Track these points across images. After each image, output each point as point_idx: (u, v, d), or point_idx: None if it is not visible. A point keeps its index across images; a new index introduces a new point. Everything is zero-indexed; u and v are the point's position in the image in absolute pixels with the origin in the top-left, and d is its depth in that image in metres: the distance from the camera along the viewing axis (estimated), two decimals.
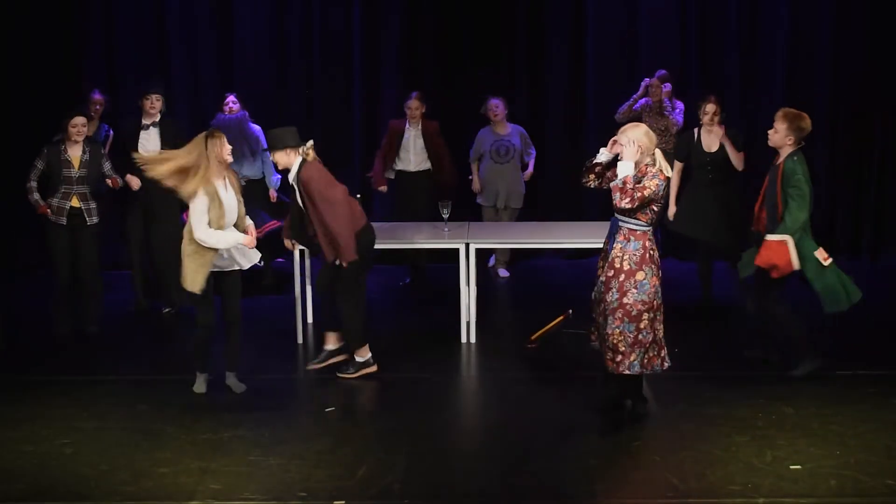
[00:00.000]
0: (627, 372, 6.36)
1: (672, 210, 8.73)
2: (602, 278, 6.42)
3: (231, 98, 9.40)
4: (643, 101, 9.64)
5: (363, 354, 7.33)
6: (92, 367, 7.63)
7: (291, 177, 7.01)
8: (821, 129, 9.87)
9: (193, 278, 6.70)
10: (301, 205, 7.05)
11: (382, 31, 10.54)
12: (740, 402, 6.74)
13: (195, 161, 6.63)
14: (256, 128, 9.40)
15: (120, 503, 5.58)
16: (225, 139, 6.78)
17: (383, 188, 9.69)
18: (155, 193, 8.51)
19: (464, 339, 8.10)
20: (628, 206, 6.20)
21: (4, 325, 8.10)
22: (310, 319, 8.37)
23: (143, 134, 8.56)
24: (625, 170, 6.25)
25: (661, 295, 6.39)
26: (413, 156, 9.57)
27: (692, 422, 6.47)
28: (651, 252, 6.33)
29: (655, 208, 6.32)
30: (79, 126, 8.02)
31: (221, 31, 10.55)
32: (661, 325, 6.41)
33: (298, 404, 6.95)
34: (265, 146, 9.28)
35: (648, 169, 6.29)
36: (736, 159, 8.46)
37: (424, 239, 8.36)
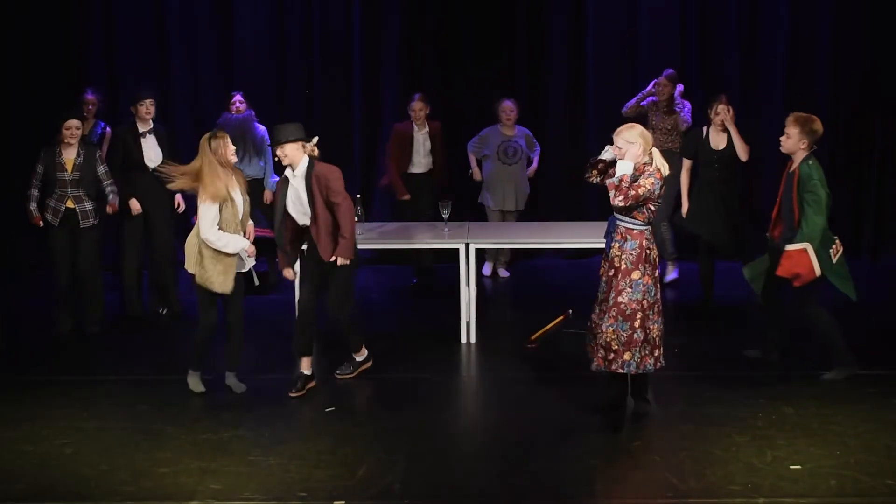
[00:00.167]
0: (621, 371, 6.37)
1: (685, 207, 8.74)
2: (604, 278, 6.43)
3: (238, 98, 9.41)
4: (650, 98, 9.62)
5: (362, 353, 7.33)
6: (92, 367, 7.64)
7: (298, 172, 6.94)
8: None
9: (224, 281, 6.81)
10: (304, 202, 6.97)
11: (382, 31, 10.54)
12: (740, 402, 6.74)
13: (202, 165, 6.71)
14: (262, 128, 9.42)
15: (120, 503, 5.58)
16: (228, 139, 6.80)
17: (406, 196, 9.60)
18: (154, 197, 8.55)
19: (464, 339, 8.10)
20: (621, 203, 6.21)
21: (4, 325, 8.10)
22: None
23: (143, 143, 8.56)
24: (623, 168, 6.26)
25: (658, 294, 6.40)
26: (422, 157, 9.60)
27: (692, 422, 6.47)
28: (648, 251, 6.33)
29: (653, 207, 6.32)
30: (72, 129, 8.05)
31: (221, 31, 10.55)
32: (656, 325, 6.40)
33: (298, 404, 6.94)
34: (269, 145, 9.34)
35: (646, 168, 6.30)
36: (741, 149, 8.45)
37: (424, 239, 8.36)
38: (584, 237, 8.32)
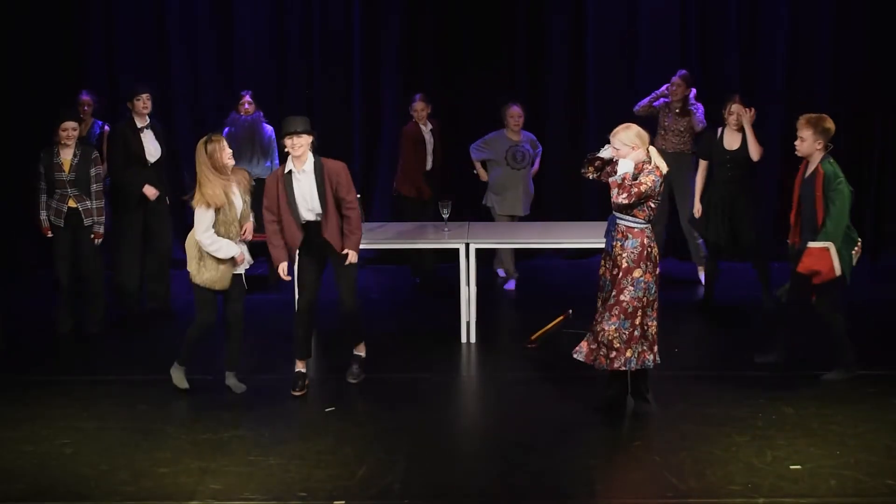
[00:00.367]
0: (623, 368, 6.38)
1: (697, 207, 8.75)
2: (608, 277, 6.43)
3: (247, 98, 9.42)
4: (663, 100, 9.57)
5: (362, 348, 7.35)
6: (92, 367, 7.63)
7: (307, 167, 6.89)
8: None
9: (222, 278, 6.85)
10: (314, 198, 6.91)
11: (382, 31, 10.54)
12: (740, 402, 6.74)
13: (198, 170, 6.76)
14: (269, 128, 9.44)
15: (120, 503, 5.58)
16: (224, 143, 6.79)
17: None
18: (161, 199, 8.57)
19: (464, 339, 8.10)
20: (625, 201, 6.22)
21: (4, 325, 8.10)
22: None
23: (142, 137, 8.57)
24: (625, 167, 6.26)
25: (657, 292, 6.42)
26: (429, 156, 9.62)
27: (692, 422, 6.47)
28: (649, 249, 6.35)
29: (653, 205, 6.33)
30: (68, 130, 8.07)
31: (221, 31, 10.55)
32: (654, 322, 6.44)
33: (298, 404, 6.94)
34: (275, 146, 9.37)
35: (645, 166, 6.31)
36: (754, 149, 8.45)
37: (424, 239, 8.36)
38: (584, 237, 8.32)
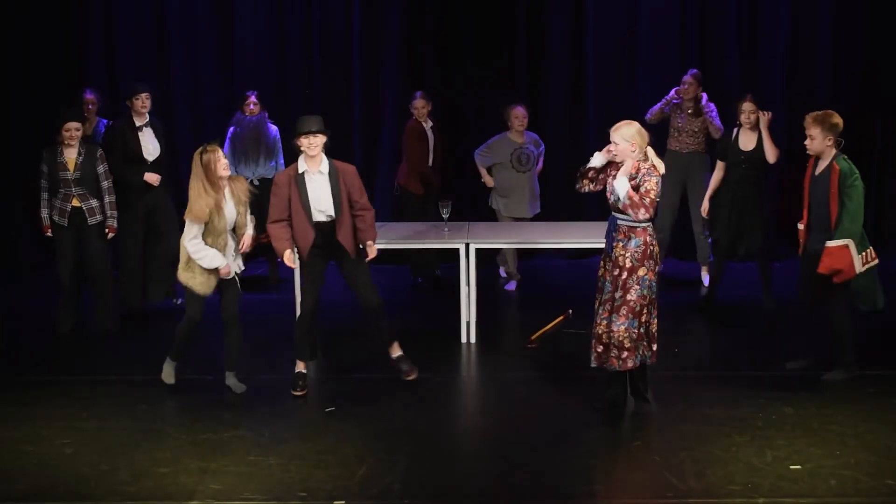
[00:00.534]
0: (636, 366, 6.39)
1: (705, 206, 8.77)
2: (608, 278, 6.43)
3: (253, 98, 9.43)
4: (674, 101, 9.52)
5: (399, 348, 7.34)
6: (92, 367, 7.63)
7: (323, 168, 6.90)
8: None
9: (204, 282, 6.86)
10: (328, 199, 6.91)
11: (382, 31, 10.54)
12: (740, 402, 6.74)
13: (191, 181, 6.78)
14: (274, 128, 9.47)
15: (120, 503, 5.58)
16: (220, 153, 6.77)
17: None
18: (153, 189, 8.57)
19: (464, 339, 8.10)
20: (647, 215, 6.26)
21: (4, 325, 8.10)
22: None
23: (140, 136, 8.57)
24: (622, 186, 6.25)
25: (657, 290, 6.45)
26: (431, 153, 9.62)
27: (692, 422, 6.47)
28: (651, 247, 6.37)
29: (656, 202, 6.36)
30: (72, 130, 8.07)
31: (221, 31, 10.55)
32: (655, 320, 6.48)
33: (298, 404, 6.94)
34: (280, 146, 9.37)
35: (641, 165, 6.31)
36: (770, 151, 8.45)
37: (424, 239, 8.36)
38: (584, 237, 8.32)
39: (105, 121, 9.12)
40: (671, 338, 7.69)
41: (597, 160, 6.46)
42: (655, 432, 6.40)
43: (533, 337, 8.02)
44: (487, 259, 10.20)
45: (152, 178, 8.56)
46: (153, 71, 10.26)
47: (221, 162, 6.76)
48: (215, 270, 6.86)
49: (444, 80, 10.51)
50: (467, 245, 8.10)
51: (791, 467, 5.83)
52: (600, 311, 6.45)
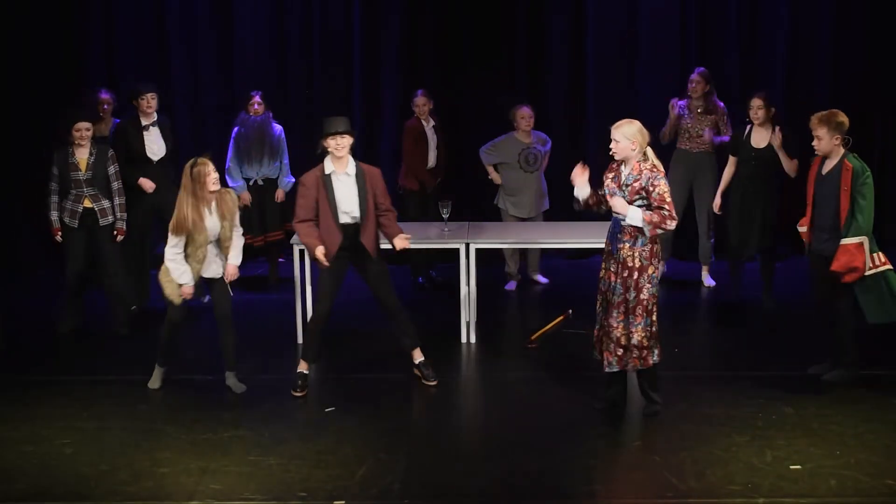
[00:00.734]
0: (654, 362, 6.41)
1: (717, 202, 8.79)
2: (612, 280, 6.41)
3: (257, 98, 9.42)
4: (681, 103, 9.47)
5: (420, 353, 7.34)
6: (92, 367, 7.63)
7: (350, 170, 6.89)
8: None
9: (173, 290, 6.89)
10: (355, 201, 6.90)
11: (382, 31, 10.53)
12: (740, 402, 6.75)
13: (180, 192, 6.79)
14: (278, 127, 9.46)
15: (120, 503, 5.59)
16: (210, 167, 6.74)
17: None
18: (158, 189, 8.58)
19: (464, 339, 8.10)
20: (675, 222, 6.28)
21: (4, 325, 8.10)
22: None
23: (145, 136, 8.58)
24: (636, 219, 6.26)
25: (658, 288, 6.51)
26: (432, 152, 9.60)
27: (692, 422, 6.47)
28: (656, 246, 6.39)
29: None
30: (82, 130, 8.04)
31: (221, 31, 10.54)
32: (656, 318, 6.50)
33: (298, 404, 6.95)
34: (285, 146, 9.37)
35: (642, 166, 6.31)
36: (788, 166, 8.44)
37: (424, 239, 8.35)
38: (584, 237, 8.31)
39: (118, 121, 9.12)
40: (671, 338, 7.69)
41: (580, 192, 6.53)
42: (655, 432, 6.40)
43: (533, 337, 8.02)
44: (488, 259, 10.20)
45: (147, 184, 8.54)
46: (153, 71, 10.25)
47: (211, 177, 6.72)
48: (177, 285, 6.86)
49: (445, 80, 10.50)
50: (467, 245, 8.10)
51: (791, 467, 5.84)
52: (614, 314, 6.40)
